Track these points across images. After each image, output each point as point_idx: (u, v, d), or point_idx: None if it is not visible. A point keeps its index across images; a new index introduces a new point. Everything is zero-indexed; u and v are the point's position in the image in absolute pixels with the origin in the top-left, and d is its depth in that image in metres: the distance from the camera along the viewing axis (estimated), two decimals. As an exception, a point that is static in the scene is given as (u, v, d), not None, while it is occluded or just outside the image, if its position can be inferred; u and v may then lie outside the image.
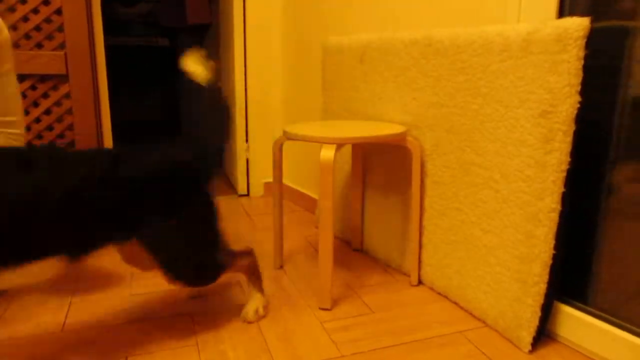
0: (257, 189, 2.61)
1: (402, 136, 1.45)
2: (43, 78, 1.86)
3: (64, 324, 1.31)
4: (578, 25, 1.04)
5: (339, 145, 1.36)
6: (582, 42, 1.05)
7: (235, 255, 1.28)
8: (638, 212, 1.13)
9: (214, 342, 1.23)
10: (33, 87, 1.85)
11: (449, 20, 1.51)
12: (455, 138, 1.38)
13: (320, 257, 1.38)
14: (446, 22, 1.52)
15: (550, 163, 1.12)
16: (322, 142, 1.36)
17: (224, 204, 2.44)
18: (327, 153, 1.33)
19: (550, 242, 1.14)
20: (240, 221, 2.18)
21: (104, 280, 1.57)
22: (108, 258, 1.74)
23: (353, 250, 1.86)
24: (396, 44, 1.54)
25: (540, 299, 1.17)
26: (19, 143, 1.34)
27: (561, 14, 1.22)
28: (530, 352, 1.20)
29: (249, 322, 1.32)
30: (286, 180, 2.57)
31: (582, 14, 1.07)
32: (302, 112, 2.36)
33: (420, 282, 1.58)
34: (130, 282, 1.56)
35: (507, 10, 1.32)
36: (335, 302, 1.45)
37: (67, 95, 1.89)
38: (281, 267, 1.69)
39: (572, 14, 1.19)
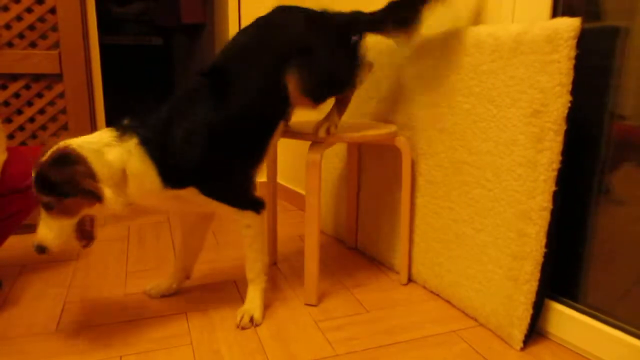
0: (252, 188, 2.61)
1: (391, 136, 1.46)
2: (37, 77, 1.86)
3: (58, 322, 1.31)
4: (568, 25, 1.05)
5: (327, 144, 1.38)
6: (573, 43, 1.06)
7: None
8: (628, 211, 1.14)
9: (208, 342, 1.24)
10: (27, 87, 1.85)
11: (444, 20, 1.52)
12: (448, 137, 1.39)
13: (307, 253, 1.39)
14: (441, 21, 1.53)
15: (542, 162, 1.13)
16: (311, 140, 1.38)
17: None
18: (314, 152, 1.35)
19: (542, 240, 1.15)
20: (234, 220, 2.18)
21: (98, 280, 1.57)
22: (103, 257, 1.75)
23: (347, 249, 1.86)
24: (389, 43, 1.55)
25: (531, 297, 1.18)
26: None
27: (555, 14, 1.23)
28: (522, 349, 1.21)
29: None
30: (280, 179, 2.57)
31: (577, 14, 1.08)
32: (296, 111, 2.36)
33: (410, 281, 1.59)
34: (124, 281, 1.56)
35: (501, 11, 1.32)
36: (329, 301, 1.45)
37: (62, 95, 1.89)
38: (275, 264, 1.70)
39: (565, 14, 1.20)
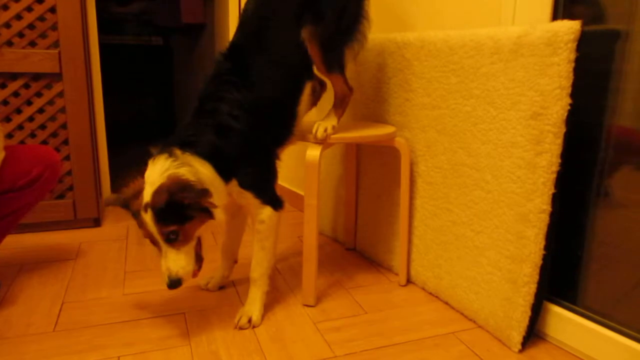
0: (251, 189, 2.60)
1: (390, 137, 1.46)
2: (36, 76, 1.85)
3: (56, 323, 1.31)
4: (568, 28, 1.06)
5: (326, 145, 1.38)
6: (572, 46, 1.06)
7: None
8: (627, 213, 1.14)
9: (206, 342, 1.24)
10: (26, 86, 1.85)
11: (445, 23, 1.52)
12: (447, 139, 1.39)
13: (305, 254, 1.39)
14: (442, 24, 1.53)
15: (541, 164, 1.13)
16: (309, 141, 1.37)
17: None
18: (313, 152, 1.34)
19: (541, 242, 1.15)
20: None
21: (96, 280, 1.57)
22: (101, 257, 1.74)
23: (346, 250, 1.86)
24: (389, 45, 1.55)
25: (530, 299, 1.18)
26: None
27: (555, 16, 1.23)
28: (520, 351, 1.21)
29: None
30: (279, 180, 2.57)
31: (577, 17, 1.08)
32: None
33: (409, 282, 1.59)
34: (123, 281, 1.56)
35: (501, 13, 1.32)
36: (327, 302, 1.45)
37: (61, 94, 1.88)
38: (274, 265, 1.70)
39: (565, 17, 1.20)
